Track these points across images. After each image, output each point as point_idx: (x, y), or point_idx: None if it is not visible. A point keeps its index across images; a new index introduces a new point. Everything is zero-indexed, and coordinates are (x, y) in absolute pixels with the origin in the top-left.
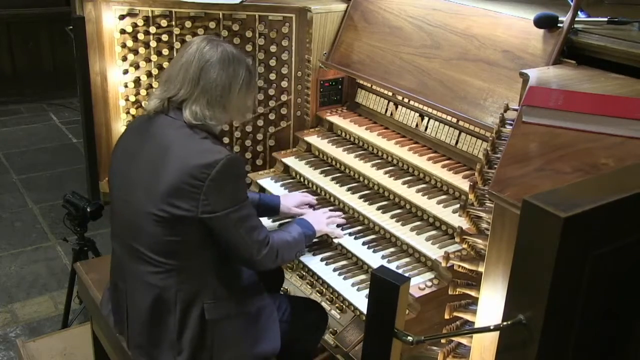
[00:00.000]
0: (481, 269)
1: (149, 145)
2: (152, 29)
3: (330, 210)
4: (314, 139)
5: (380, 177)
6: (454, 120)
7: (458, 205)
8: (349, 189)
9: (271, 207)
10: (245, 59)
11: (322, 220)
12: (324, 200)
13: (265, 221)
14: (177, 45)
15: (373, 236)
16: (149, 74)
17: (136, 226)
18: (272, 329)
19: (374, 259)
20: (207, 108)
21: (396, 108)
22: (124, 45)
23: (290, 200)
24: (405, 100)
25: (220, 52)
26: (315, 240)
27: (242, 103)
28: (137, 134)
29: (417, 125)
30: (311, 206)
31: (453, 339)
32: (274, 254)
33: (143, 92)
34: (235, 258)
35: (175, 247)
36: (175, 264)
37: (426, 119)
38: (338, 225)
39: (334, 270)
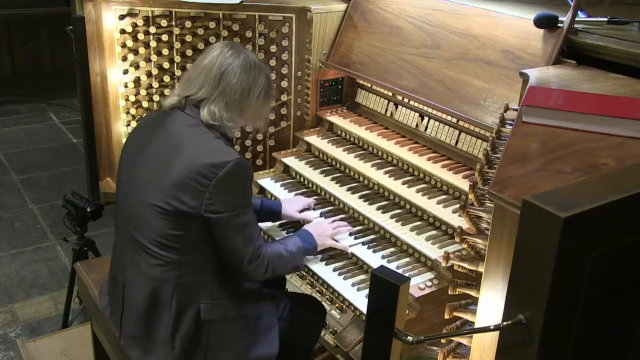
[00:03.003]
0: (481, 269)
1: (161, 139)
2: (152, 29)
3: (334, 216)
4: (314, 139)
5: (380, 177)
6: (454, 120)
7: (458, 205)
8: (349, 189)
9: (273, 212)
10: (265, 69)
11: (327, 233)
12: (324, 200)
13: (270, 223)
14: (177, 45)
15: (373, 236)
16: (149, 74)
17: (139, 217)
18: (271, 333)
19: (374, 259)
20: (225, 110)
21: (396, 108)
22: (124, 45)
23: (293, 205)
24: (405, 100)
25: (243, 59)
26: None
27: (258, 110)
28: (150, 127)
29: (417, 125)
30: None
31: (453, 339)
32: (264, 266)
33: (143, 92)
34: (226, 263)
35: (176, 241)
36: (175, 258)
37: (426, 119)
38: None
39: (334, 270)
